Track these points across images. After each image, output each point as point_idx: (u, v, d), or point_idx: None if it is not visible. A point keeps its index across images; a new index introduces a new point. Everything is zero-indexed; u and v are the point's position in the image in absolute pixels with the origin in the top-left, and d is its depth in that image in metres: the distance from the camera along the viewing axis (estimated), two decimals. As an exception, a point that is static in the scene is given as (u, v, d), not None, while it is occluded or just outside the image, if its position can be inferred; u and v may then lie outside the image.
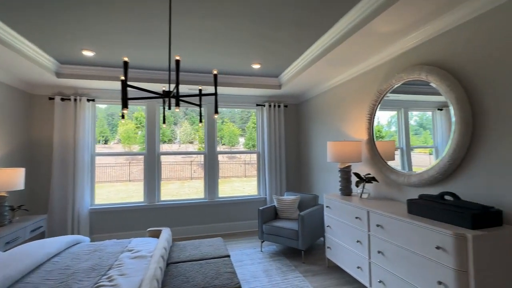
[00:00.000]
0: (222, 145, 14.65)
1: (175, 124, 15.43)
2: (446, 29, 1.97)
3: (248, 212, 4.42)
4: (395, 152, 2.52)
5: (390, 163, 2.54)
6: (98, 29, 2.36)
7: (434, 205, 1.77)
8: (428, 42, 2.13)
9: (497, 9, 1.65)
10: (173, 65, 3.30)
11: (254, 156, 4.68)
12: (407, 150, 2.37)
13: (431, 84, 2.07)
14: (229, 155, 14.31)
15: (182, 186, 11.20)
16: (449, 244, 1.53)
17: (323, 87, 3.77)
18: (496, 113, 1.68)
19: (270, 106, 4.43)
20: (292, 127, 4.74)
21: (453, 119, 1.89)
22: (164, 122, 2.13)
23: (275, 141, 4.42)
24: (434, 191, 2.09)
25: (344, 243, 2.54)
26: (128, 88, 3.54)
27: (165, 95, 1.78)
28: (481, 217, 1.55)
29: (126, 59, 1.52)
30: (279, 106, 4.48)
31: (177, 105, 1.55)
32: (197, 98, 4.14)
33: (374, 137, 2.74)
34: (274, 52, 2.95)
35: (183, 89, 3.84)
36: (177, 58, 1.55)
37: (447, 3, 1.78)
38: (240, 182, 12.00)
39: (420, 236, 1.72)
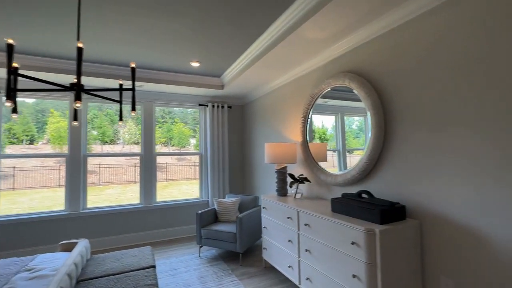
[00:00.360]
0: (172, 146, 13.95)
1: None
2: (365, 40, 2.14)
3: (189, 216, 4.22)
4: (327, 153, 2.65)
5: (322, 164, 2.66)
6: (-8, 5, 1.96)
7: (352, 203, 1.89)
8: (352, 51, 2.29)
9: (408, 23, 1.85)
10: (91, 55, 2.96)
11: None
12: (343, 152, 2.50)
13: (354, 90, 2.22)
14: (179, 156, 13.65)
15: (124, 190, 10.29)
16: (361, 239, 1.63)
17: (265, 89, 3.82)
18: (400, 119, 1.87)
19: (213, 106, 4.32)
20: (236, 128, 4.70)
21: (370, 123, 2.05)
22: (75, 120, 1.86)
23: (218, 142, 4.32)
24: (355, 189, 2.25)
25: (278, 243, 2.57)
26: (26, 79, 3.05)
27: (70, 88, 1.55)
28: (388, 212, 1.69)
29: (10, 41, 1.26)
30: (222, 107, 4.40)
31: (78, 98, 1.35)
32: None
33: (308, 139, 2.85)
34: (213, 51, 2.86)
35: (113, 83, 3.48)
36: (80, 45, 1.35)
37: (367, 15, 1.92)
38: (190, 184, 11.55)
39: (340, 233, 1.81)
